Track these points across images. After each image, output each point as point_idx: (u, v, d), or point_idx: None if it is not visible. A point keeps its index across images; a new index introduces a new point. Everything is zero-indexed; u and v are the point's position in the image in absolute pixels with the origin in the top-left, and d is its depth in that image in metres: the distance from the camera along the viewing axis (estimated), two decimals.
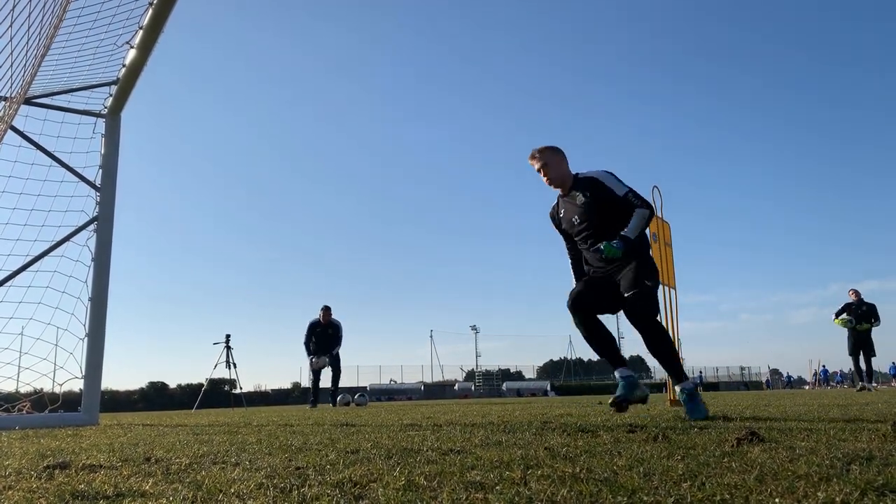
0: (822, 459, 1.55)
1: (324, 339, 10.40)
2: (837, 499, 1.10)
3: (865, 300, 11.49)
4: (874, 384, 12.16)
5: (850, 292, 11.65)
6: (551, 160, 3.70)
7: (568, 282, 3.85)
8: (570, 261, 3.89)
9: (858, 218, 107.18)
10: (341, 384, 10.58)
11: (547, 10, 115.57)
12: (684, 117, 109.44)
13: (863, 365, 11.45)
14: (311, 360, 10.40)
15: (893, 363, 42.93)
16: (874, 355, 11.38)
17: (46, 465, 1.92)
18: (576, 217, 3.66)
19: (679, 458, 1.69)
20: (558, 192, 3.80)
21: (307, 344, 10.44)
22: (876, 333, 11.47)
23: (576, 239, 3.75)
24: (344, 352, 10.53)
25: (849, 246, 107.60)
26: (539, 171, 3.73)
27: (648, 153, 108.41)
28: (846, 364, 12.53)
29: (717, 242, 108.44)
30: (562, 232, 3.86)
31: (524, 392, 47.36)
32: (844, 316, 11.46)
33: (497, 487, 1.32)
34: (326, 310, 10.47)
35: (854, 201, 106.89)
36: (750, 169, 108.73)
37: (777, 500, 1.12)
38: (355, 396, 11.98)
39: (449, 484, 1.38)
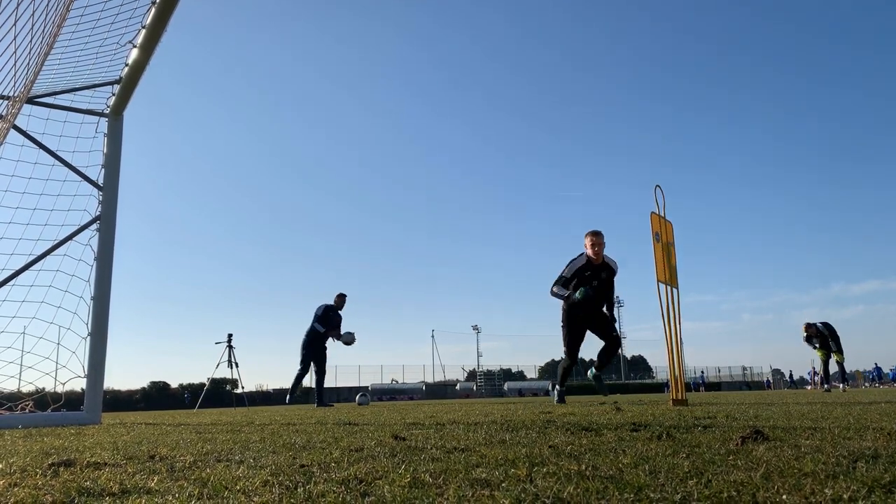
0: (828, 457, 1.55)
1: (336, 323, 10.22)
2: (845, 496, 1.10)
3: (820, 329, 13.01)
4: (841, 384, 13.36)
5: (804, 327, 13.24)
6: (604, 243, 6.65)
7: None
8: (566, 279, 6.75)
9: (860, 218, 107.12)
10: (346, 384, 10.48)
11: (559, 8, 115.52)
12: (687, 117, 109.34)
13: (835, 367, 13.18)
14: (344, 334, 10.02)
15: (892, 369, 43.11)
16: (841, 359, 12.91)
17: (51, 463, 1.92)
18: (597, 281, 6.69)
19: (684, 455, 1.68)
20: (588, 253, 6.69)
21: (331, 323, 10.08)
22: (877, 334, 12.33)
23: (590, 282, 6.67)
24: (345, 350, 10.48)
25: (850, 246, 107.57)
26: (599, 244, 6.62)
27: (651, 152, 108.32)
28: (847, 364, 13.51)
29: (719, 242, 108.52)
30: (577, 273, 6.68)
31: (526, 392, 47.37)
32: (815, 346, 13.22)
33: (503, 484, 1.32)
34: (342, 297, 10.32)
35: (856, 201, 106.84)
36: (752, 169, 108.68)
37: (784, 497, 1.11)
38: (357, 396, 11.98)
39: (455, 481, 1.38)
